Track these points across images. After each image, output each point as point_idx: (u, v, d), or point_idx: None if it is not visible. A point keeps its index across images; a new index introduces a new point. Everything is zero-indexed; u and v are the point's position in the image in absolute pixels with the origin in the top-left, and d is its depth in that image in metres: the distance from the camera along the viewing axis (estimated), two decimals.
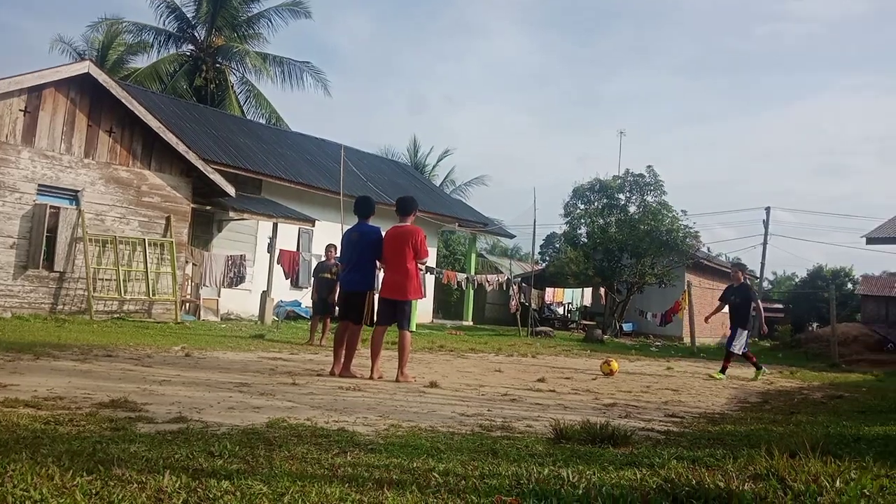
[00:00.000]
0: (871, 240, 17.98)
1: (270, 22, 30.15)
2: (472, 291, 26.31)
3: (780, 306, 45.69)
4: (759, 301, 11.05)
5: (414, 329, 7.63)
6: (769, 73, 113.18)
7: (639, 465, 3.46)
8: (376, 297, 7.48)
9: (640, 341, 23.51)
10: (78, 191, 14.25)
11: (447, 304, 31.19)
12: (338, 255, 9.94)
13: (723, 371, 10.60)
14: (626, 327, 27.26)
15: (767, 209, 36.17)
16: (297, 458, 3.25)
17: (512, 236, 34.59)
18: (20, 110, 13.45)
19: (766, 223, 35.99)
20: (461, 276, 22.37)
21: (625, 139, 74.25)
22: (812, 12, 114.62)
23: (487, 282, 23.22)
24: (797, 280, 53.84)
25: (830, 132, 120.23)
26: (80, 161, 14.28)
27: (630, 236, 25.55)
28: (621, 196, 27.19)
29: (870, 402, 7.63)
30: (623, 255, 26.12)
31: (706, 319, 11.74)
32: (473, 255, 28.42)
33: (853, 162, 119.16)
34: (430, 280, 22.90)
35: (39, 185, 13.73)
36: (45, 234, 13.62)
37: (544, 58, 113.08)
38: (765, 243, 35.99)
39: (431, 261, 23.43)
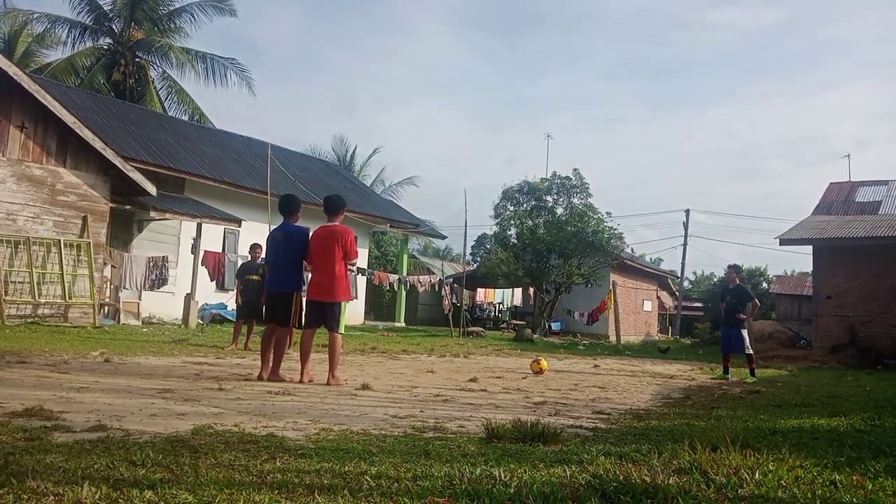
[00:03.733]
0: (783, 241, 18.88)
1: (193, 17, 29.22)
2: (403, 292, 26.26)
3: (700, 305, 47.56)
4: (756, 300, 11.32)
5: (344, 331, 7.52)
6: (687, 78, 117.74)
7: (568, 462, 3.52)
8: (304, 298, 7.34)
9: (568, 340, 24.02)
10: None
11: (379, 305, 31.05)
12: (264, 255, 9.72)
13: (725, 372, 10.97)
14: (555, 326, 27.79)
15: (687, 211, 37.60)
16: (224, 466, 3.16)
17: (444, 237, 34.78)
18: None
19: (685, 224, 37.37)
20: (393, 278, 22.29)
21: (551, 142, 75.56)
22: (727, 21, 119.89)
23: (419, 283, 23.23)
24: (715, 279, 56.15)
25: (744, 136, 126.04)
26: None
27: (558, 237, 26.07)
28: (549, 198, 27.73)
29: (785, 396, 8.02)
30: (551, 256, 26.63)
31: (740, 320, 11.03)
32: (405, 256, 28.37)
33: (766, 165, 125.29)
34: (361, 281, 22.72)
35: None
36: None
37: (473, 59, 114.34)
38: (685, 244, 37.38)
39: (362, 262, 23.26)
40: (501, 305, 32.66)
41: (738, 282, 11.48)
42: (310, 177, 24.56)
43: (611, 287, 23.63)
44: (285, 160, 23.64)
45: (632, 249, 36.45)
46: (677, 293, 41.29)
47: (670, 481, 3.00)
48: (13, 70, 13.64)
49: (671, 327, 41.16)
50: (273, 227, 7.68)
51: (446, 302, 23.38)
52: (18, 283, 13.77)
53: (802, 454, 3.79)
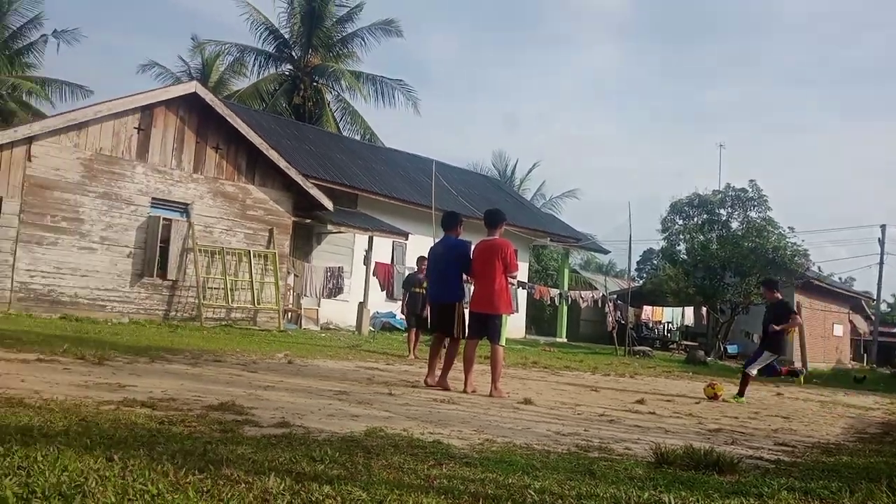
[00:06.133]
0: None
1: (363, 41, 30.82)
2: (565, 308, 25.93)
3: None
4: (799, 319, 9.86)
5: (505, 344, 7.59)
6: (881, 82, 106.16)
7: (746, 494, 3.29)
8: (466, 309, 7.49)
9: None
10: (188, 204, 15.08)
11: (540, 319, 30.87)
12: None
13: (740, 394, 9.44)
14: (731, 349, 26.09)
15: (883, 227, 33.99)
16: (395, 468, 3.29)
17: (606, 252, 33.89)
18: (134, 128, 14.40)
19: (881, 241, 33.79)
20: (554, 292, 22.12)
21: (724, 152, 71.17)
22: None
23: (581, 298, 22.85)
24: None
25: None
26: (189, 176, 15.13)
27: (733, 253, 24.51)
28: (722, 211, 26.16)
29: None
30: (726, 274, 25.07)
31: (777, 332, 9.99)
32: (566, 271, 28.04)
33: None
34: (521, 295, 22.74)
35: (153, 198, 14.63)
36: (159, 244, 14.48)
37: (639, 69, 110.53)
38: (881, 262, 33.76)
39: (522, 275, 23.27)
40: (670, 325, 31.20)
41: (776, 296, 9.96)
42: (472, 191, 25.03)
43: (795, 308, 21.82)
44: (448, 176, 24.29)
45: (819, 268, 33.43)
46: (873, 317, 37.28)
47: None
48: (209, 97, 15.24)
49: (866, 355, 37.16)
50: (435, 241, 7.92)
51: (611, 319, 22.78)
52: (214, 289, 15.26)
53: None
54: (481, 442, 4.31)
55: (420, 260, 12.37)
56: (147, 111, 14.52)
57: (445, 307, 7.53)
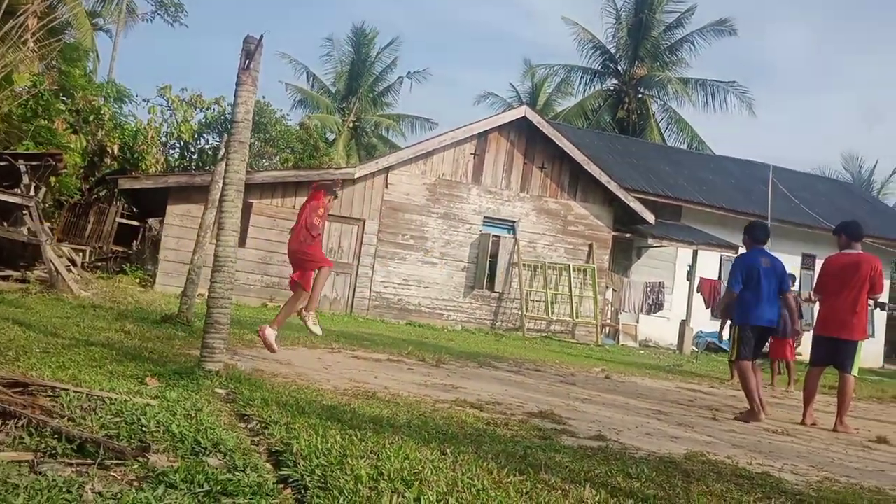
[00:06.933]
0: None
1: (693, 45, 29.77)
2: None
3: None
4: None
5: (857, 374, 6.60)
6: None
7: None
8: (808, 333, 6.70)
9: None
10: (514, 221, 16.04)
11: None
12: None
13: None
14: None
15: None
16: (716, 495, 3.13)
17: None
18: (471, 153, 15.79)
19: None
20: None
21: None
22: None
23: None
24: None
25: None
26: (516, 195, 16.08)
27: None
28: None
29: None
30: None
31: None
32: None
33: None
34: (879, 317, 19.61)
35: (484, 217, 15.87)
36: (489, 259, 15.66)
37: None
38: None
39: (884, 294, 20.03)
40: None
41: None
42: (817, 198, 22.36)
43: None
44: (787, 181, 22.04)
45: None
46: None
47: None
48: (537, 120, 16.07)
49: None
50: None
51: None
52: (536, 301, 15.97)
53: None
54: (819, 479, 3.85)
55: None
56: (482, 137, 15.87)
57: (772, 331, 6.89)
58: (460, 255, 15.74)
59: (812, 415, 6.50)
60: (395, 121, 34.41)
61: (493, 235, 15.81)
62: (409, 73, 33.85)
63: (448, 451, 3.26)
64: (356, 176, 14.88)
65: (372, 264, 15.12)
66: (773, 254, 6.81)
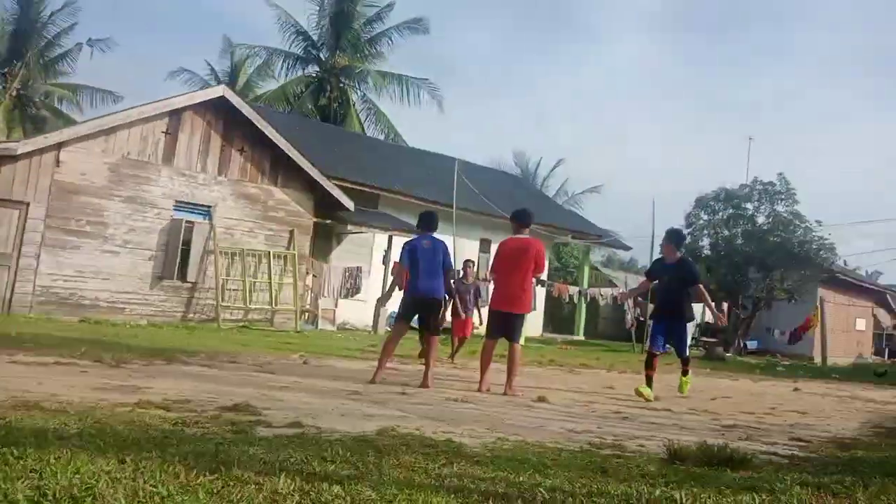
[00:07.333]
0: None
1: (391, 40, 30.91)
2: (584, 305, 25.80)
3: None
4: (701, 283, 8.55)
5: (523, 342, 7.58)
6: None
7: (758, 489, 3.27)
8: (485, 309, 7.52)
9: (765, 360, 22.18)
10: (211, 206, 15.23)
11: (557, 317, 30.71)
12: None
13: (684, 374, 9.01)
14: (751, 345, 25.78)
15: None
16: (405, 467, 3.31)
17: (628, 248, 33.55)
18: (162, 132, 14.59)
19: None
20: (573, 290, 22.01)
21: (753, 145, 70.05)
22: None
23: (601, 295, 22.70)
24: None
25: None
26: (213, 178, 15.28)
27: (758, 248, 24.23)
28: (749, 206, 25.84)
29: None
30: (749, 269, 24.79)
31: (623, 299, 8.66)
32: (587, 268, 27.87)
33: None
34: (540, 293, 22.65)
35: (176, 201, 14.80)
36: (181, 246, 14.65)
37: (668, 62, 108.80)
38: None
39: (542, 273, 23.14)
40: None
41: (677, 256, 8.38)
42: (495, 189, 24.96)
43: (817, 303, 21.54)
44: (472, 175, 24.21)
45: (844, 262, 32.88)
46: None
47: None
48: (236, 100, 15.44)
49: (887, 349, 36.58)
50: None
51: (629, 316, 22.59)
52: (233, 290, 15.39)
53: None
54: (493, 440, 4.32)
55: (467, 264, 12.19)
56: (175, 116, 14.70)
57: (437, 302, 7.65)
58: (147, 242, 14.48)
59: (488, 381, 7.27)
60: (72, 91, 30.35)
61: (187, 221, 14.83)
62: (89, 39, 30.01)
63: (128, 458, 2.98)
64: (18, 152, 12.83)
65: (37, 254, 13.18)
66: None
